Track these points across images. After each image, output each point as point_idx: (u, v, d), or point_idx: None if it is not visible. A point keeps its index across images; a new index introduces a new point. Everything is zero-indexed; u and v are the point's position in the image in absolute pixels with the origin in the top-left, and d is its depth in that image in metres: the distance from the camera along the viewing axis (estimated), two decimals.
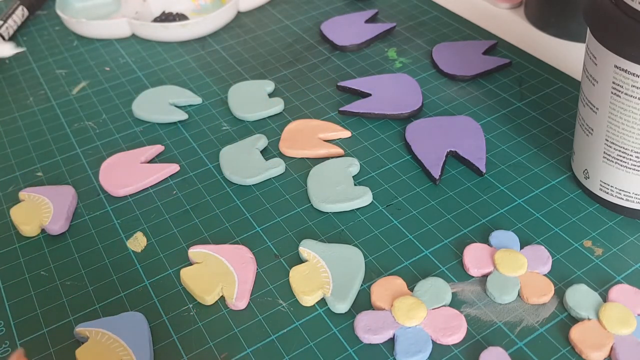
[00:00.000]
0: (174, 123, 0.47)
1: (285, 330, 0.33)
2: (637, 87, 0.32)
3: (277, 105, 0.47)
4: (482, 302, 0.33)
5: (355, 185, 0.40)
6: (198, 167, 0.43)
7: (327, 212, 0.39)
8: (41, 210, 0.39)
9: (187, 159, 0.44)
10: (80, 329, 0.33)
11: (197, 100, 0.49)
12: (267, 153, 0.44)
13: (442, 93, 0.48)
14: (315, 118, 0.47)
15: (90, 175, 0.43)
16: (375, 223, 0.38)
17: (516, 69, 0.50)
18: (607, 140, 0.35)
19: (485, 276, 0.34)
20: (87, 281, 0.36)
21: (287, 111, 0.48)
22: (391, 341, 0.32)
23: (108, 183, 0.42)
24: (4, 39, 0.57)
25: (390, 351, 0.31)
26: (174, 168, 0.43)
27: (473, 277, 0.35)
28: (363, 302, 0.34)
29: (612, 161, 0.36)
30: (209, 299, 0.34)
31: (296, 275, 0.35)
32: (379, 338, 0.32)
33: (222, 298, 0.34)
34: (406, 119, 0.46)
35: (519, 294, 0.33)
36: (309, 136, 0.44)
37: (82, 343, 0.32)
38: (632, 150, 0.34)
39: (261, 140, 0.44)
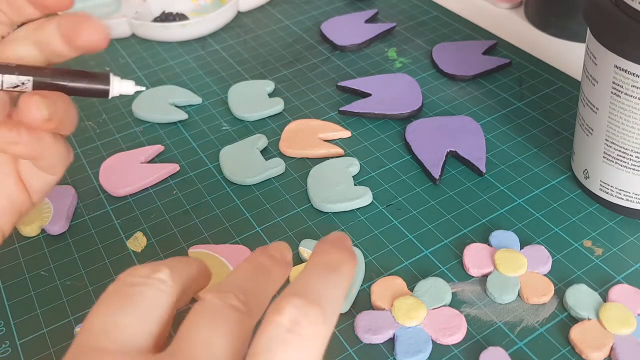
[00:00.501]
0: (174, 123, 0.47)
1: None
2: (637, 87, 0.32)
3: (277, 105, 0.47)
4: (482, 302, 0.33)
5: (355, 185, 0.40)
6: (198, 167, 0.43)
7: (327, 212, 0.39)
8: (41, 210, 0.39)
9: (187, 159, 0.44)
10: (80, 329, 0.33)
11: (197, 100, 0.49)
12: (267, 153, 0.44)
13: (442, 93, 0.48)
14: (315, 118, 0.47)
15: (90, 175, 0.43)
16: (375, 223, 0.38)
17: (516, 69, 0.50)
18: (607, 140, 0.35)
19: (485, 276, 0.34)
20: (87, 281, 0.36)
21: (287, 111, 0.48)
22: (391, 341, 0.32)
23: (108, 183, 0.42)
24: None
25: (390, 351, 0.31)
26: (173, 168, 0.43)
27: (473, 277, 0.35)
28: (363, 302, 0.34)
29: (612, 161, 0.36)
30: None
31: (296, 275, 0.35)
32: (379, 338, 0.32)
33: None
34: (406, 119, 0.46)
35: (519, 294, 0.33)
36: (309, 136, 0.44)
37: None
38: (632, 150, 0.34)
39: (261, 140, 0.44)
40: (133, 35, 0.58)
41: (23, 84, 0.27)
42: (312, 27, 0.58)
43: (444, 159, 0.41)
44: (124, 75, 0.53)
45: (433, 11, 0.58)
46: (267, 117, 0.47)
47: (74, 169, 0.44)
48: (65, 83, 0.28)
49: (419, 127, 0.44)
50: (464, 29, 0.55)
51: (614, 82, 0.33)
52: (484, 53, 0.52)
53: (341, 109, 0.46)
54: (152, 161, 0.44)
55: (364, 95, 0.48)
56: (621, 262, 0.35)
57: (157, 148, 0.44)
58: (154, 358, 0.20)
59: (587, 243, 0.36)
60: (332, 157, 0.43)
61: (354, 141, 0.44)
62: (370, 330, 0.32)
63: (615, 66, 0.32)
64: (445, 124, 0.44)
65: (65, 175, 0.43)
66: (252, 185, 0.41)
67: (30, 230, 0.39)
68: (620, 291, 0.33)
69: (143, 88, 0.31)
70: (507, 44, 0.53)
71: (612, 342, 0.30)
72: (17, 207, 0.30)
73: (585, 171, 0.38)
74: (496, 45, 0.53)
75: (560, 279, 0.34)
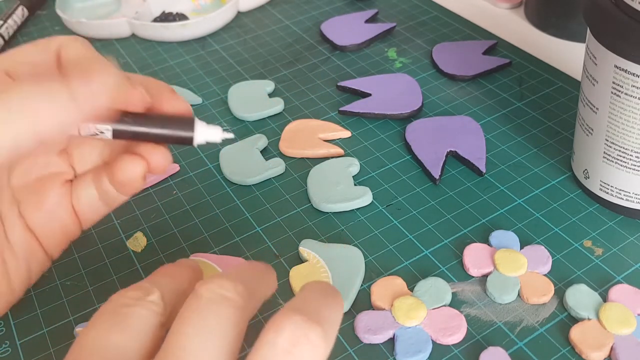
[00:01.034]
0: None
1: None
2: (637, 87, 0.32)
3: (277, 105, 0.47)
4: (482, 302, 0.33)
5: (355, 185, 0.40)
6: (198, 167, 0.43)
7: (327, 212, 0.39)
8: None
9: (187, 159, 0.44)
10: (80, 329, 0.33)
11: (197, 100, 0.49)
12: (267, 153, 0.44)
13: (442, 93, 0.48)
14: (315, 118, 0.47)
15: None
16: (375, 223, 0.38)
17: (516, 69, 0.50)
18: (607, 140, 0.35)
19: (485, 276, 0.34)
20: (87, 281, 0.36)
21: (287, 111, 0.48)
22: (391, 341, 0.32)
23: None
24: (4, 39, 0.57)
25: (390, 351, 0.31)
26: (173, 168, 0.43)
27: (473, 277, 0.35)
28: (363, 302, 0.34)
29: (612, 161, 0.36)
30: None
31: (296, 275, 0.35)
32: (379, 338, 0.32)
33: None
34: (406, 119, 0.46)
35: (519, 294, 0.33)
36: (309, 136, 0.44)
37: None
38: (632, 150, 0.34)
39: (261, 140, 0.44)
40: (133, 35, 0.58)
41: (102, 132, 0.26)
42: (312, 27, 0.58)
43: (444, 159, 0.41)
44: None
45: (433, 11, 0.58)
46: (267, 117, 0.47)
47: None
48: (147, 130, 0.27)
49: (419, 127, 0.44)
50: (464, 29, 0.55)
51: (614, 82, 0.33)
52: (484, 53, 0.52)
53: (341, 109, 0.46)
54: None
55: (364, 95, 0.48)
56: (621, 262, 0.35)
57: None
58: None
59: (587, 243, 0.36)
60: (332, 157, 0.43)
61: (354, 141, 0.44)
62: (370, 330, 0.32)
63: (615, 66, 0.32)
64: (445, 124, 0.44)
65: None
66: (252, 185, 0.41)
67: None
68: (620, 291, 0.33)
69: (232, 135, 0.29)
70: (507, 44, 0.53)
71: (612, 342, 0.30)
72: (68, 235, 0.31)
73: (585, 171, 0.38)
74: (496, 45, 0.53)
75: (560, 279, 0.34)
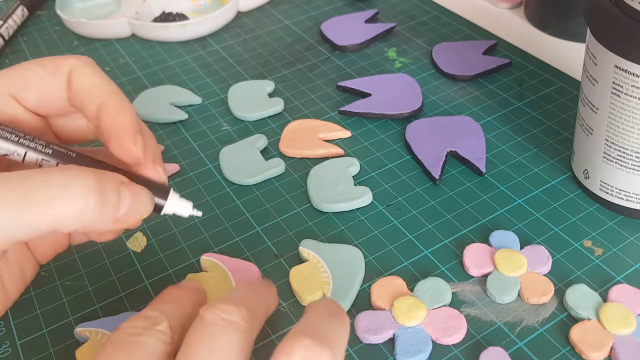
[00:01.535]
0: (174, 123, 0.47)
1: (285, 331, 0.33)
2: (637, 87, 0.32)
3: (277, 105, 0.47)
4: (482, 302, 0.33)
5: (355, 185, 0.40)
6: (198, 167, 0.43)
7: (327, 212, 0.39)
8: None
9: (187, 159, 0.44)
10: (80, 329, 0.33)
11: (197, 100, 0.49)
12: (267, 153, 0.44)
13: (442, 93, 0.48)
14: (315, 118, 0.47)
15: None
16: (375, 223, 0.38)
17: (516, 69, 0.50)
18: (607, 140, 0.35)
19: (485, 276, 0.34)
20: (87, 281, 0.36)
21: (287, 111, 0.48)
22: (391, 341, 0.32)
23: None
24: (4, 39, 0.57)
25: (390, 351, 0.31)
26: (173, 168, 0.43)
27: (473, 277, 0.35)
28: (363, 302, 0.34)
29: (612, 161, 0.36)
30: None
31: (296, 275, 0.35)
32: (379, 338, 0.32)
33: None
34: (406, 119, 0.46)
35: (519, 294, 0.33)
36: (309, 136, 0.44)
37: (82, 343, 0.32)
38: (632, 150, 0.34)
39: (261, 140, 0.44)
40: (133, 35, 0.58)
41: None
42: (312, 27, 0.58)
43: (444, 159, 0.41)
44: (124, 75, 0.53)
45: (433, 11, 0.58)
46: (267, 117, 0.47)
47: None
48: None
49: (419, 127, 0.44)
50: (464, 29, 0.55)
51: (614, 82, 0.33)
52: (484, 53, 0.52)
53: (341, 109, 0.46)
54: None
55: (364, 95, 0.48)
56: (621, 262, 0.35)
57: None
58: None
59: (587, 243, 0.36)
60: (332, 157, 0.43)
61: (354, 141, 0.44)
62: (370, 330, 0.32)
63: (615, 66, 0.32)
64: (445, 124, 0.44)
65: None
66: (252, 185, 0.41)
67: None
68: (620, 291, 0.33)
69: (199, 214, 0.30)
70: (507, 44, 0.53)
71: (612, 342, 0.30)
72: (57, 248, 0.32)
73: (585, 171, 0.38)
74: (496, 45, 0.53)
75: (560, 279, 0.34)
